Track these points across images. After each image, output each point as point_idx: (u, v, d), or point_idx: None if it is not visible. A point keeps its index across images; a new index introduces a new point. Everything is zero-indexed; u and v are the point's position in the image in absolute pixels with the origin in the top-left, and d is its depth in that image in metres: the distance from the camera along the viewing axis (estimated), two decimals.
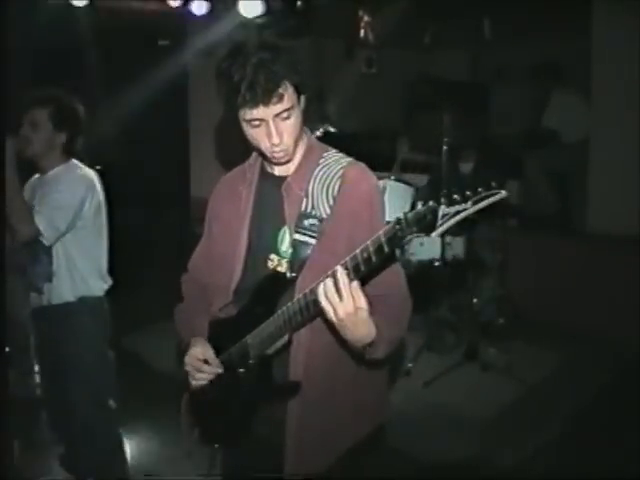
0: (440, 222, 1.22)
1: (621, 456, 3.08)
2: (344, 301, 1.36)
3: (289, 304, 1.53)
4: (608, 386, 3.93)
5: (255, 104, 1.49)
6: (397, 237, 1.28)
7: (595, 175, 5.25)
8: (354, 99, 6.86)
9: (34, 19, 4.44)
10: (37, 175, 2.75)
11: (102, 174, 2.78)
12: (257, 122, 1.53)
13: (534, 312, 4.76)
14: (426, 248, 4.04)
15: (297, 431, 1.64)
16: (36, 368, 3.20)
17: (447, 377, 4.03)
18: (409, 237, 1.26)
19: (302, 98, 1.59)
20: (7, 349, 2.79)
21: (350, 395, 1.68)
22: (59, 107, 2.64)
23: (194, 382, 1.73)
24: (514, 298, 4.67)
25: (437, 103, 4.35)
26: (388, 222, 1.32)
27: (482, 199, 1.21)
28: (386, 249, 1.31)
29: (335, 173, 1.63)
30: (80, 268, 2.68)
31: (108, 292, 2.79)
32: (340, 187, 1.61)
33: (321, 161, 1.67)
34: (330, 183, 1.62)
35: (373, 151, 3.62)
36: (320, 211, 1.60)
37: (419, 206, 1.25)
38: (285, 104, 1.52)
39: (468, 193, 1.21)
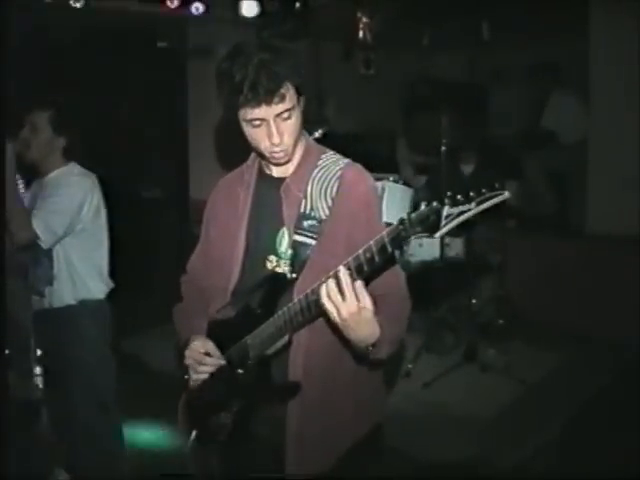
0: (444, 222, 1.22)
1: (621, 456, 3.08)
2: (347, 301, 1.37)
3: (290, 304, 1.53)
4: (608, 386, 3.93)
5: (257, 103, 1.49)
6: (401, 237, 1.29)
7: (594, 175, 5.24)
8: (352, 100, 6.86)
9: (34, 20, 4.43)
10: (38, 178, 2.75)
11: (101, 176, 2.78)
12: (258, 122, 1.54)
13: (533, 313, 4.75)
14: (425, 249, 4.06)
15: (297, 431, 1.64)
16: (36, 370, 3.19)
17: (446, 378, 4.03)
18: (413, 237, 1.27)
19: (302, 99, 1.60)
20: (7, 351, 2.78)
21: (350, 395, 1.69)
22: (59, 111, 2.64)
23: (195, 376, 1.73)
24: (513, 299, 4.67)
25: (435, 104, 4.36)
26: (386, 223, 1.33)
27: (486, 200, 1.21)
28: (389, 249, 1.31)
29: (333, 174, 1.65)
30: (80, 271, 2.69)
31: (109, 295, 2.79)
32: (338, 188, 1.62)
33: (319, 163, 1.68)
34: (328, 184, 1.63)
35: (371, 152, 3.62)
36: (319, 212, 1.61)
37: (422, 207, 1.26)
38: (286, 104, 1.53)
39: (472, 194, 1.21)
